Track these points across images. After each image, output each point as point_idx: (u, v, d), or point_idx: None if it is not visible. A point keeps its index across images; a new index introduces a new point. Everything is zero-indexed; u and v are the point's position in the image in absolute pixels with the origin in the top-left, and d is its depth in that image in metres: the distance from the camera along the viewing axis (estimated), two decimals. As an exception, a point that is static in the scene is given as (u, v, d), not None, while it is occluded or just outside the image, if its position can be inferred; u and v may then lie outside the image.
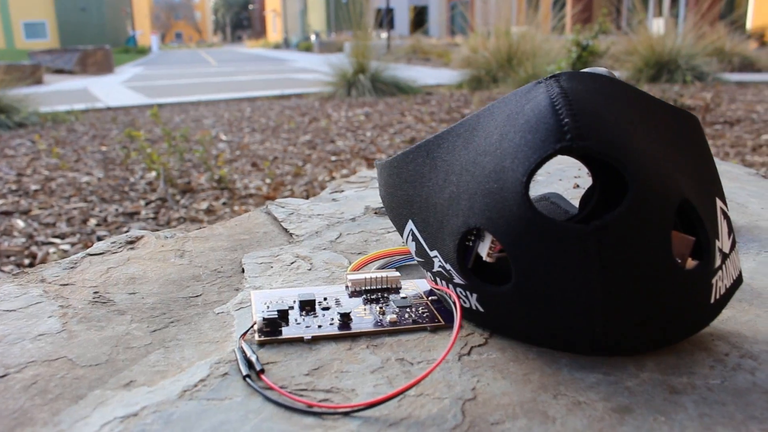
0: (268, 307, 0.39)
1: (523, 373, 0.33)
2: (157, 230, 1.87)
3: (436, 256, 0.37)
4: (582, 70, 0.37)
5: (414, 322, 0.38)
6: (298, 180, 2.44)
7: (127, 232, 1.78)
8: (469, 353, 0.35)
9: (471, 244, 0.35)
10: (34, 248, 1.69)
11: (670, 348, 0.35)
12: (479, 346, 0.35)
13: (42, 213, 1.99)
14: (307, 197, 2.21)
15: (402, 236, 0.42)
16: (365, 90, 5.75)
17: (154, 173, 2.37)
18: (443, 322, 0.38)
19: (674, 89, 4.94)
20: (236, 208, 1.96)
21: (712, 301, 0.35)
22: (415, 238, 0.40)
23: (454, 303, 0.34)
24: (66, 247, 1.70)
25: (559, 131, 0.31)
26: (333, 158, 3.00)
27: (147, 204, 2.04)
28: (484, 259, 0.34)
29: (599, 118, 0.32)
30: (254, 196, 2.15)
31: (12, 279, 0.46)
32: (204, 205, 1.97)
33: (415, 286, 0.43)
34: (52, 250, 1.67)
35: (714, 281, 0.34)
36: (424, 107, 4.96)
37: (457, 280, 0.36)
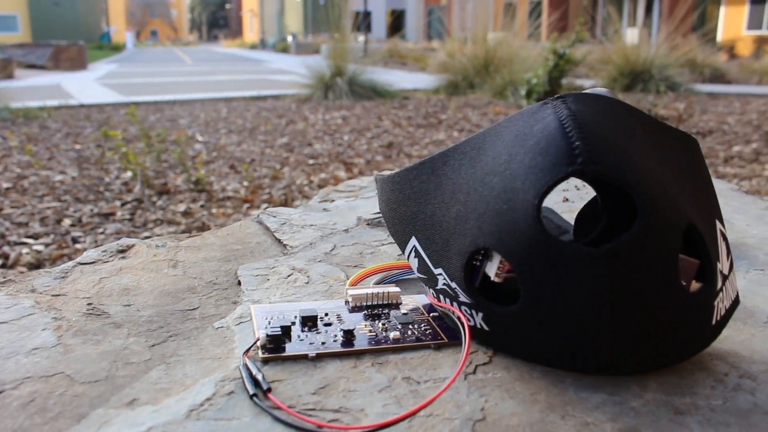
0: (269, 322, 0.39)
1: (530, 393, 0.33)
2: (134, 232, 1.83)
3: (440, 274, 0.37)
4: (585, 91, 0.38)
5: (417, 339, 0.37)
6: (277, 183, 2.43)
7: (102, 233, 1.75)
8: (474, 372, 0.35)
9: (478, 264, 0.35)
10: (6, 248, 1.65)
11: (671, 368, 0.36)
12: (484, 364, 0.35)
13: (14, 212, 1.95)
14: (286, 201, 2.20)
15: (403, 251, 0.42)
16: (342, 93, 5.74)
17: (129, 173, 2.33)
18: (447, 340, 0.37)
19: (648, 99, 5.03)
20: (214, 210, 1.94)
21: (713, 322, 0.35)
22: (418, 255, 0.40)
23: (463, 325, 0.34)
24: (39, 247, 1.67)
25: (570, 154, 0.32)
26: (311, 162, 2.99)
27: (123, 205, 2.01)
28: (492, 279, 0.34)
29: (608, 141, 0.33)
30: (232, 198, 2.13)
31: (0, 288, 0.45)
32: (181, 208, 1.95)
33: (415, 302, 0.43)
34: (25, 250, 1.64)
35: (715, 303, 0.35)
36: (402, 112, 4.97)
37: (463, 298, 0.36)
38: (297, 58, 12.56)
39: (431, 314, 0.41)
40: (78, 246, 1.62)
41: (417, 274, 0.41)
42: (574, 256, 0.31)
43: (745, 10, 12.03)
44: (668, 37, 6.06)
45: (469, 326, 0.34)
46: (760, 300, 0.45)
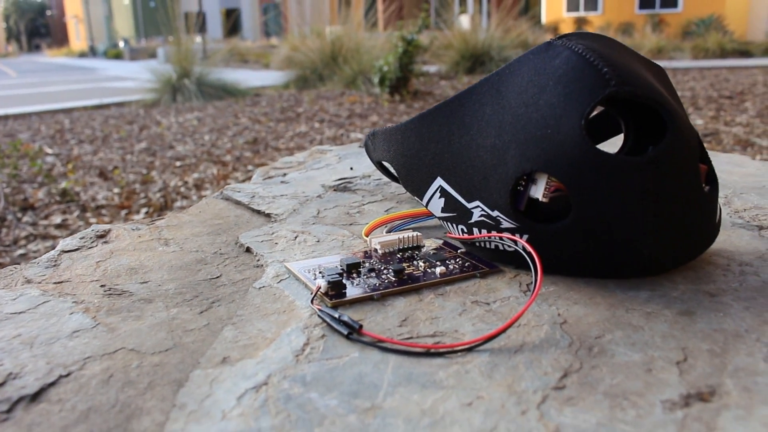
0: (314, 275, 0.38)
1: (588, 298, 0.36)
2: (5, 251, 1.65)
3: (477, 207, 0.39)
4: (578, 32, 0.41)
5: (462, 271, 0.39)
6: (150, 187, 2.31)
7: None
8: (529, 289, 0.37)
9: (522, 189, 0.37)
10: None
11: (685, 265, 0.40)
12: (532, 283, 0.38)
13: None
14: (166, 203, 2.10)
15: (422, 197, 0.43)
16: (192, 95, 5.54)
17: (-22, 193, 2.10)
18: (487, 268, 0.39)
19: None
20: (93, 220, 1.81)
21: (717, 220, 0.40)
22: (444, 194, 0.41)
23: (523, 247, 0.36)
24: None
25: (602, 79, 0.35)
26: (178, 163, 2.87)
27: (-19, 226, 1.81)
28: (540, 200, 0.37)
29: (626, 67, 0.36)
30: (107, 206, 2.00)
31: (-16, 287, 0.41)
32: (56, 220, 1.80)
33: (435, 243, 0.44)
34: None
35: (718, 204, 0.40)
36: (257, 108, 4.90)
37: (506, 224, 0.38)
38: (133, 64, 11.92)
39: (459, 251, 0.42)
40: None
41: (440, 215, 0.42)
42: (622, 166, 0.34)
43: (564, -6, 13.15)
44: (501, 21, 6.47)
45: (532, 247, 0.36)
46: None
